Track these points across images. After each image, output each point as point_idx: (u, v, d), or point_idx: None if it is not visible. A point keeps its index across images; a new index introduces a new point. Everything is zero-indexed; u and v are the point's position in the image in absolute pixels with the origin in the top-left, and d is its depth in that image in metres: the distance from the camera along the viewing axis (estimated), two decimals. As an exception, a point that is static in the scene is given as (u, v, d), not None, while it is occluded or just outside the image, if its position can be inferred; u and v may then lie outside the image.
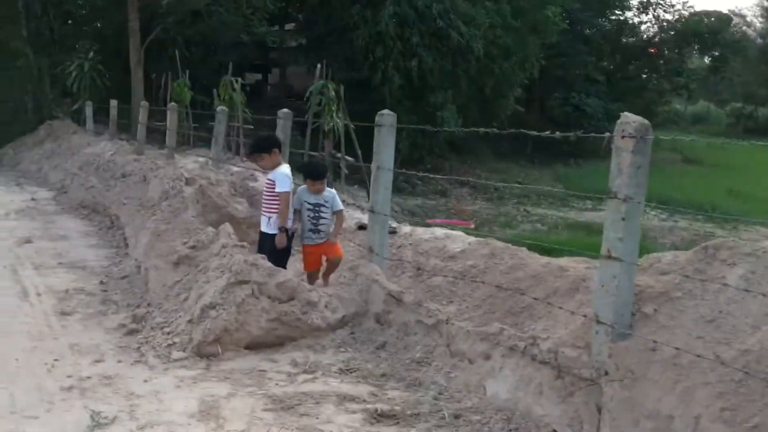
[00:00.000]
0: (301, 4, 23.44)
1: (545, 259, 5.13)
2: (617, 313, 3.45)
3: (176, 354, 4.78)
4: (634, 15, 29.61)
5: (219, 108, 9.99)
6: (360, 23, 20.94)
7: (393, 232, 6.99)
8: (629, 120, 3.45)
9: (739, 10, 48.26)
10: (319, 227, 5.90)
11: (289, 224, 5.80)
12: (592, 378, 3.53)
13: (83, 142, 15.81)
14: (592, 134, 4.32)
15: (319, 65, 10.06)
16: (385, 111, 5.63)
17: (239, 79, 13.23)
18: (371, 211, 5.62)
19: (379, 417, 3.89)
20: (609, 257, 3.46)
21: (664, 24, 30.32)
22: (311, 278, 5.91)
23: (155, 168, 9.57)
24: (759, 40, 44.27)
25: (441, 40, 21.11)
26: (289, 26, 23.67)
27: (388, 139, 5.54)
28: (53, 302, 6.08)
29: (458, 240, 6.44)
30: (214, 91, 13.16)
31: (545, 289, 4.61)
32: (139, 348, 4.95)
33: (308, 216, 5.90)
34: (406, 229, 7.05)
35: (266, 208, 5.82)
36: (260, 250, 5.72)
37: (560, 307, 4.10)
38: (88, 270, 7.33)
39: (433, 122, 19.90)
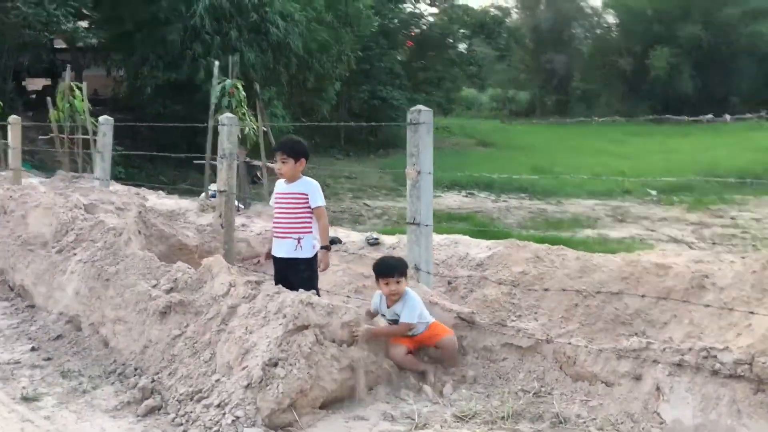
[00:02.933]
0: (96, -2, 21.05)
1: (618, 258, 4.82)
2: None
3: (248, 432, 3.77)
4: (428, 5, 30.68)
5: (102, 118, 8.42)
6: (172, 17, 19.31)
7: (375, 243, 6.31)
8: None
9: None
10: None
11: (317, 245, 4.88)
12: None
13: None
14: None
15: (217, 62, 8.86)
16: (421, 107, 4.98)
17: (79, 84, 11.36)
18: (413, 223, 4.92)
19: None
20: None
21: (453, 16, 31.83)
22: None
23: (21, 196, 7.83)
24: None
25: (260, 36, 20.16)
26: (82, 23, 21.17)
27: (426, 138, 4.89)
28: (-3, 386, 4.62)
29: (472, 245, 5.94)
30: (48, 99, 11.15)
31: (654, 291, 4.29)
32: None
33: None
34: (391, 239, 6.39)
35: (290, 228, 4.81)
36: (281, 281, 4.75)
37: (730, 309, 3.74)
38: (-1, 335, 5.74)
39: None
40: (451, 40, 31.70)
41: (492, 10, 34.04)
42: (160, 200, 8.59)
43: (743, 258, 4.15)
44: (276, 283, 4.76)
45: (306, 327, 4.14)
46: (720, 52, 44.88)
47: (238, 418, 3.84)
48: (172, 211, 8.02)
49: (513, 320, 4.53)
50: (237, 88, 8.11)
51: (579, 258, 4.91)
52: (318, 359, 4.08)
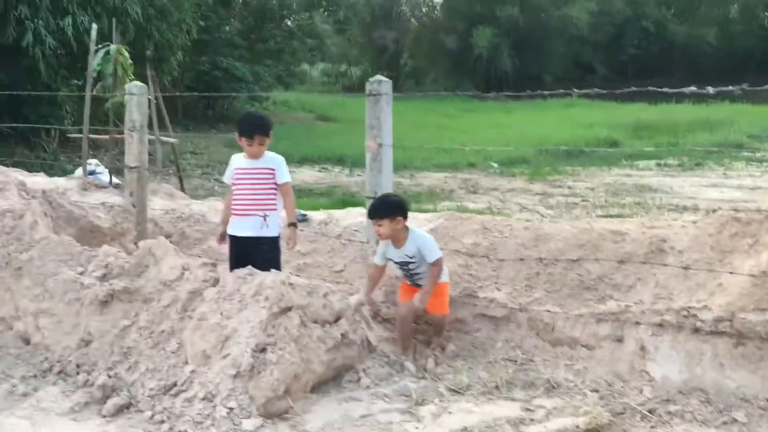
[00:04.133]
0: None
1: (568, 226, 5.01)
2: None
3: (246, 424, 3.51)
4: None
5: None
6: (-9, -25, 17.23)
7: (303, 219, 6.12)
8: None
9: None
10: (417, 282, 4.46)
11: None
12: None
13: None
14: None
15: (95, 25, 7.95)
16: (379, 77, 4.87)
17: None
18: (372, 197, 4.79)
19: (589, 434, 3.41)
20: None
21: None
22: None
23: None
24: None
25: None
26: None
27: (387, 110, 4.79)
28: None
29: (411, 219, 5.89)
30: None
31: (614, 256, 4.50)
32: (172, 429, 3.51)
33: (400, 274, 4.62)
34: (320, 216, 6.20)
35: (255, 204, 4.48)
36: (241, 262, 4.44)
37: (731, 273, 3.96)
38: None
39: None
40: (287, 12, 31.20)
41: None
42: (28, 179, 7.73)
43: (694, 222, 4.46)
44: (235, 265, 4.46)
45: (290, 308, 3.93)
46: (534, 33, 47.82)
47: (232, 409, 3.58)
48: (49, 191, 7.25)
49: (480, 291, 4.57)
50: (122, 54, 7.42)
51: (528, 228, 5.03)
52: (306, 342, 3.89)
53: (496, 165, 21.60)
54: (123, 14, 19.92)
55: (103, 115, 8.44)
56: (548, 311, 4.27)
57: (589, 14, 46.73)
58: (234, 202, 4.56)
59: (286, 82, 33.15)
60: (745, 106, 32.30)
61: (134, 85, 5.80)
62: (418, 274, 4.45)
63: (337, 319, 4.11)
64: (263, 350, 3.75)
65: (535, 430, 3.42)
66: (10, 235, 5.10)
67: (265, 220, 4.46)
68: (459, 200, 16.54)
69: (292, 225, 4.56)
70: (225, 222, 4.72)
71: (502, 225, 5.19)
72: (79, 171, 8.13)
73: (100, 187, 7.29)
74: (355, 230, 5.68)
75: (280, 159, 4.56)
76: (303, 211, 6.09)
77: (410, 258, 4.39)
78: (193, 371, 3.83)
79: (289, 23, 31.00)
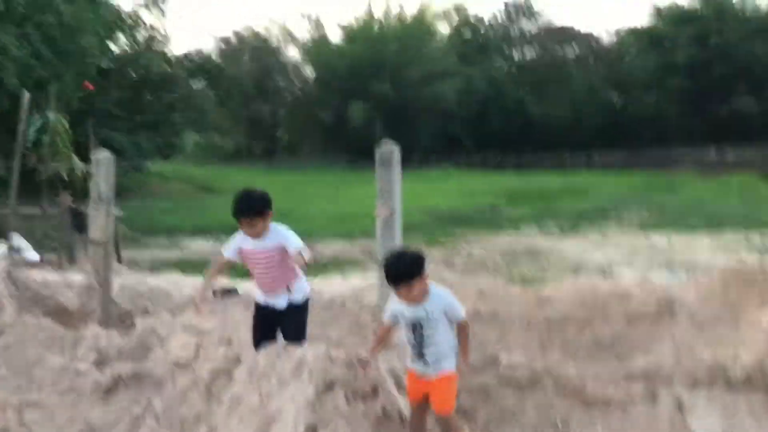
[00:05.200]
0: None
1: (567, 286, 5.12)
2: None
3: None
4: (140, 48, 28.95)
5: None
6: None
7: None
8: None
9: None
10: (425, 352, 3.79)
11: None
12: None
13: None
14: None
15: (27, 93, 7.31)
16: (390, 143, 4.83)
17: None
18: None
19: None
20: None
21: (171, 59, 30.70)
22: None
23: None
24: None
25: (-31, 68, 17.48)
26: None
27: (397, 176, 4.75)
28: None
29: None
30: None
31: (625, 316, 4.63)
32: None
33: (409, 339, 3.87)
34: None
35: (277, 283, 4.26)
36: (267, 327, 4.20)
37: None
38: None
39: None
40: (168, 84, 30.55)
41: (214, 57, 33.80)
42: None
43: (696, 280, 4.69)
44: (261, 329, 4.20)
45: (333, 384, 3.72)
46: (405, 108, 49.60)
47: (291, 499, 3.30)
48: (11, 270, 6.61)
49: (503, 357, 4.54)
50: (63, 125, 6.95)
51: (525, 292, 5.10)
52: (352, 419, 3.68)
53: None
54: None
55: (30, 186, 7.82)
56: (575, 372, 4.30)
57: (455, 92, 49.13)
58: (257, 280, 4.32)
59: (165, 153, 32.24)
60: (599, 176, 34.67)
61: (102, 155, 5.41)
62: (429, 337, 3.81)
63: (374, 391, 3.93)
64: (314, 430, 3.52)
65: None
66: (-30, 320, 4.55)
67: (290, 289, 4.24)
68: (364, 268, 16.54)
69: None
70: (207, 286, 4.40)
71: (499, 289, 5.23)
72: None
73: (32, 264, 6.71)
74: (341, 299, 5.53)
75: (283, 231, 4.26)
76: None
77: (429, 316, 3.79)
78: (234, 460, 3.52)
79: (168, 96, 30.34)
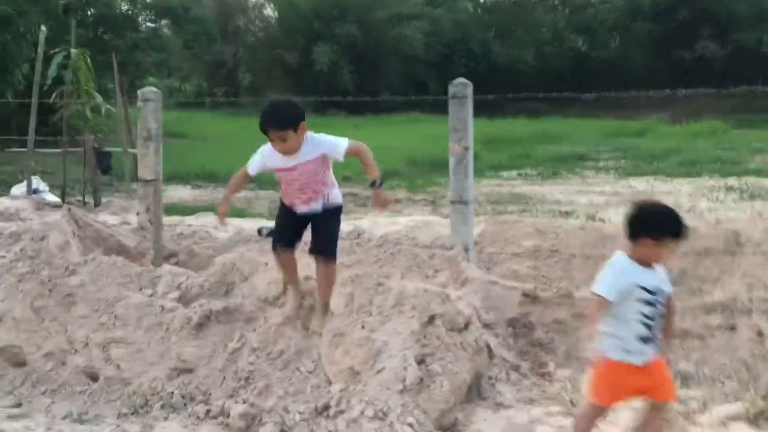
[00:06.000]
0: None
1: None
2: None
3: (434, 439, 3.29)
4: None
5: None
6: None
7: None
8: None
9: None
10: (656, 333, 3.00)
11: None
12: None
13: None
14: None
15: (43, 27, 6.92)
16: (462, 79, 4.77)
17: None
18: (459, 201, 4.68)
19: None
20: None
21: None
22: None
23: None
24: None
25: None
26: None
27: (470, 113, 4.71)
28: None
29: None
30: None
31: (692, 250, 4.73)
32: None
33: (637, 315, 2.97)
34: (347, 227, 5.92)
35: (314, 195, 3.88)
36: (299, 231, 3.99)
37: None
38: None
39: None
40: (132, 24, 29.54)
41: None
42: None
43: (760, 214, 4.81)
44: (291, 231, 3.97)
45: (434, 317, 3.75)
46: (371, 51, 48.95)
47: (411, 425, 3.34)
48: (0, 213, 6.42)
49: (576, 291, 4.62)
50: (84, 59, 6.66)
51: (583, 228, 5.17)
52: (455, 350, 3.72)
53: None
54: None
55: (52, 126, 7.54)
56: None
57: (422, 34, 48.56)
58: (290, 197, 3.96)
59: (129, 96, 31.35)
60: (571, 122, 34.76)
61: (150, 91, 5.22)
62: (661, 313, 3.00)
63: (466, 326, 3.97)
64: (422, 362, 3.55)
65: (707, 419, 3.51)
66: (37, 260, 4.43)
67: (327, 198, 3.93)
68: (354, 214, 16.50)
69: (374, 184, 3.79)
70: (227, 200, 4.15)
71: (553, 227, 5.28)
72: (15, 189, 7.19)
73: (53, 206, 6.54)
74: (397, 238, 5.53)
75: (323, 138, 3.83)
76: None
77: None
78: (342, 390, 3.53)
79: (133, 36, 29.32)
